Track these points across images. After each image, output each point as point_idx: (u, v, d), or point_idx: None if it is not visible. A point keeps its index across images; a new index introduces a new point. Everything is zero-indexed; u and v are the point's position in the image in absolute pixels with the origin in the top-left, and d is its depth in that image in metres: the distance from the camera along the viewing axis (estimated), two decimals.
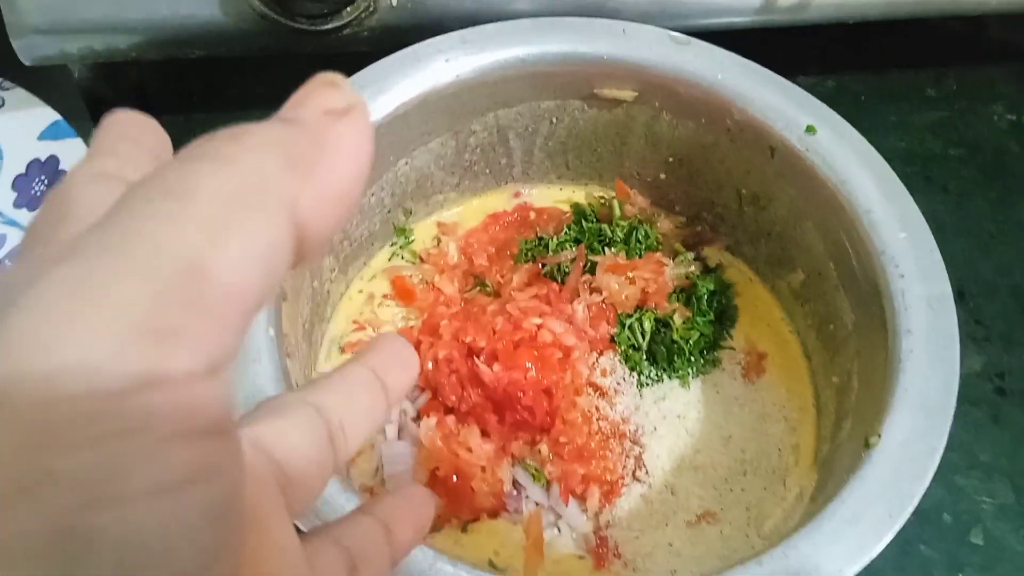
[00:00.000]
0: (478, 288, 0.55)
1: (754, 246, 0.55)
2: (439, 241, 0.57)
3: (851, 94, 0.73)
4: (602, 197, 0.58)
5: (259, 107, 0.72)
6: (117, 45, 0.55)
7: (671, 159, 0.55)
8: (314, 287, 0.49)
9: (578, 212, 0.58)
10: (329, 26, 0.55)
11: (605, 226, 0.56)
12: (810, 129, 0.47)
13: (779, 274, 0.54)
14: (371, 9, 0.55)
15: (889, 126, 0.71)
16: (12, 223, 0.61)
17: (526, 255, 0.55)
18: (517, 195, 0.59)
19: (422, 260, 0.56)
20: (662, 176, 0.56)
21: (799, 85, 0.73)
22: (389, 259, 0.56)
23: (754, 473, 0.49)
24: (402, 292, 0.54)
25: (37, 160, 0.62)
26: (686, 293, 0.54)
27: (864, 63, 0.74)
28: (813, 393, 0.51)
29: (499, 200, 0.59)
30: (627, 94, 0.52)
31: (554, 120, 0.54)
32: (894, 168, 0.68)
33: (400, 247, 0.56)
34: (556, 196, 0.59)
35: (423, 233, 0.57)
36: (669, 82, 0.50)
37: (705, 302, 0.53)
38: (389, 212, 0.54)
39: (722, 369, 0.52)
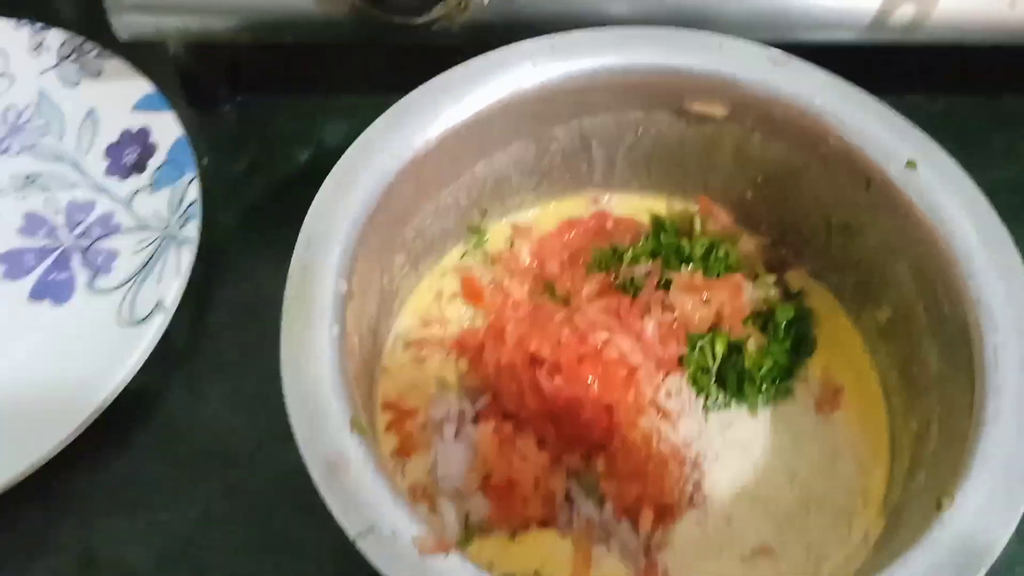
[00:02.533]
0: (547, 295, 0.54)
1: (840, 275, 0.53)
2: (512, 243, 0.56)
3: (959, 117, 0.69)
4: (684, 211, 0.56)
5: (346, 92, 0.73)
6: (212, 27, 0.56)
7: (759, 179, 0.53)
8: (383, 283, 0.49)
9: (657, 224, 0.56)
10: (420, 20, 0.54)
11: (684, 241, 0.54)
12: (911, 164, 0.45)
13: (864, 307, 0.51)
14: (463, 6, 0.54)
15: (997, 153, 0.68)
16: (103, 190, 0.63)
17: (599, 265, 0.54)
18: (595, 201, 0.58)
19: (494, 261, 0.56)
20: (748, 195, 0.54)
21: (904, 104, 0.69)
22: (461, 257, 0.56)
23: (818, 511, 0.47)
24: (471, 292, 0.54)
25: (129, 131, 0.64)
26: (763, 318, 0.52)
27: (975, 85, 0.70)
28: (889, 436, 0.49)
29: (577, 206, 0.58)
30: (718, 111, 0.50)
31: (639, 130, 0.53)
32: (999, 200, 0.64)
33: (473, 247, 0.56)
34: (636, 205, 0.58)
35: (497, 234, 0.57)
36: (763, 102, 0.48)
37: (783, 329, 0.51)
38: (464, 212, 0.54)
39: (794, 400, 0.51)
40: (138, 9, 0.55)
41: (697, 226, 0.55)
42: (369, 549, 0.34)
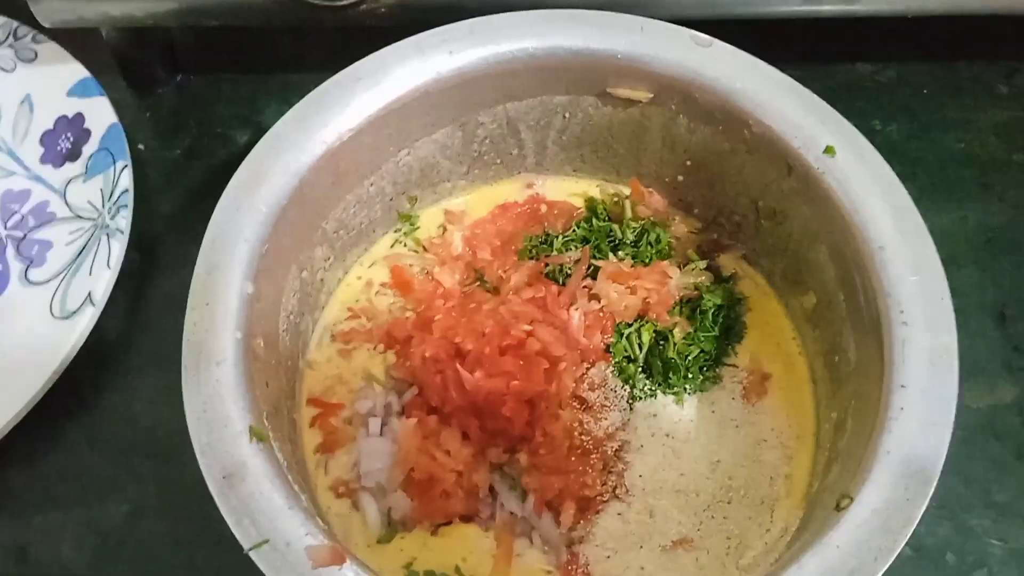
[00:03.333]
0: (478, 283, 0.53)
1: (771, 260, 0.52)
2: (445, 229, 0.56)
3: (912, 85, 0.68)
4: (615, 195, 0.55)
5: (284, 71, 0.72)
6: (133, 12, 0.55)
7: (688, 162, 0.52)
8: (303, 278, 0.48)
9: (590, 208, 0.55)
10: (346, 2, 0.53)
11: (616, 226, 0.53)
12: (829, 150, 0.44)
13: (793, 293, 0.51)
14: None
15: (950, 123, 0.66)
16: (37, 179, 0.62)
17: (530, 252, 0.54)
18: (530, 186, 0.57)
19: (425, 249, 0.55)
20: (680, 178, 0.53)
21: (857, 72, 0.69)
22: (391, 246, 0.55)
23: (740, 501, 0.47)
24: (400, 282, 0.54)
25: (64, 116, 0.63)
26: (691, 306, 0.51)
27: (930, 53, 0.68)
28: (815, 423, 0.48)
29: (511, 190, 0.57)
30: (642, 95, 0.49)
31: (566, 115, 0.52)
32: (949, 171, 0.64)
33: (404, 234, 0.55)
34: (571, 189, 0.57)
35: (429, 220, 0.56)
36: (686, 86, 0.47)
37: (710, 317, 0.51)
38: (391, 200, 0.53)
39: (722, 387, 0.50)
40: None
41: (628, 211, 0.54)
42: (262, 560, 0.35)
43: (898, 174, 0.45)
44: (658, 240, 0.53)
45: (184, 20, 0.56)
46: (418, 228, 0.56)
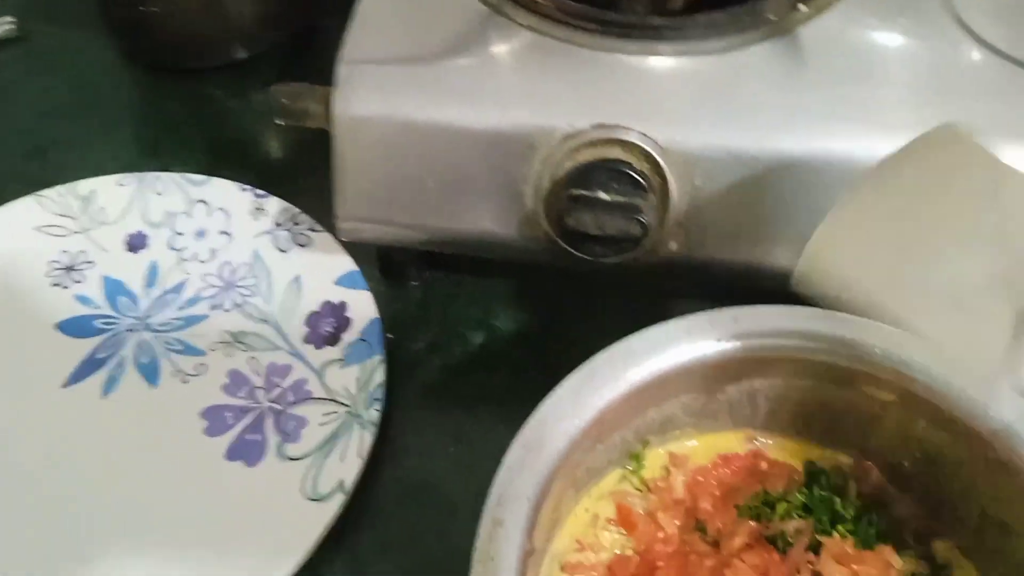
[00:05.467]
0: (698, 531, 0.57)
1: (990, 561, 0.54)
2: (668, 472, 0.59)
3: None
4: (837, 464, 0.58)
5: (517, 277, 0.78)
6: (421, 239, 0.62)
7: (918, 455, 0.55)
8: (551, 517, 0.53)
9: (810, 473, 0.58)
10: (610, 261, 0.59)
11: (838, 500, 0.56)
12: None
13: None
14: (651, 252, 0.59)
15: None
16: (298, 356, 0.69)
17: (752, 511, 0.57)
18: (751, 440, 0.60)
19: (649, 488, 0.59)
20: (905, 464, 0.56)
21: None
22: (619, 481, 0.59)
23: None
24: (625, 520, 0.57)
25: (330, 302, 0.71)
26: None
27: None
28: None
29: (733, 441, 0.60)
30: (888, 397, 0.52)
31: (808, 395, 0.55)
32: None
33: (631, 471, 0.59)
34: (791, 449, 0.60)
35: (653, 461, 0.59)
36: (935, 398, 0.50)
37: None
38: (629, 446, 0.57)
39: None
40: (362, 220, 0.61)
41: (852, 488, 0.57)
42: None
43: None
44: (878, 521, 0.55)
45: (462, 251, 0.63)
46: (644, 467, 0.60)
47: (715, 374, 0.54)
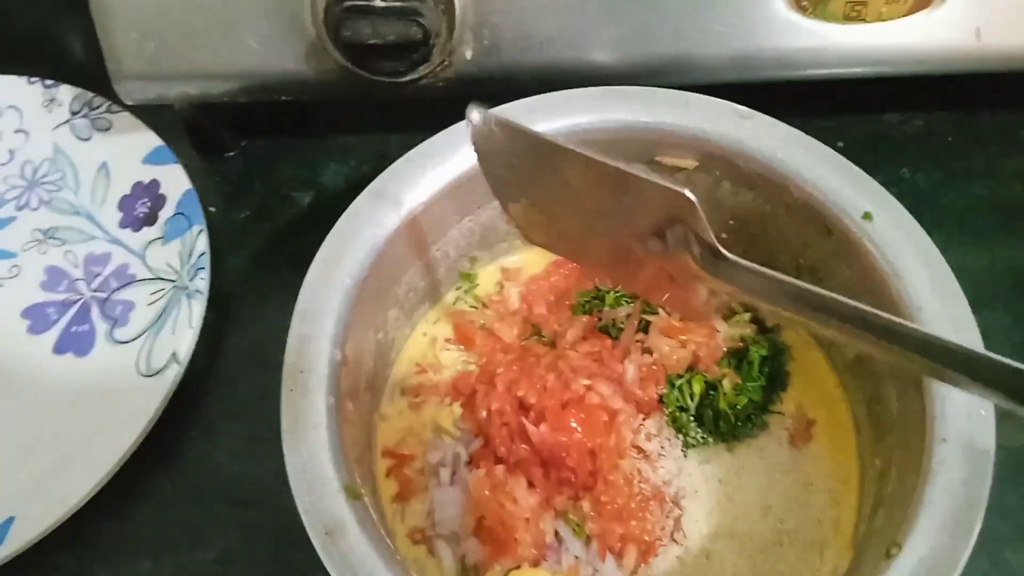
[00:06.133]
0: (535, 336, 0.57)
1: None
2: (502, 287, 0.59)
3: (938, 135, 0.71)
4: None
5: (342, 133, 0.76)
6: (210, 91, 0.59)
7: (731, 221, 0.55)
8: (378, 339, 0.52)
9: None
10: (406, 79, 0.57)
11: None
12: (867, 216, 0.47)
13: (834, 344, 0.54)
14: (447, 63, 0.57)
15: (975, 171, 0.69)
16: (117, 242, 0.66)
17: (584, 307, 0.57)
18: None
19: (484, 305, 0.59)
20: (723, 236, 0.57)
21: (883, 123, 0.72)
22: (454, 303, 0.59)
23: (791, 544, 0.50)
24: (463, 337, 0.57)
25: (140, 183, 0.67)
26: (738, 356, 0.55)
27: (954, 102, 0.72)
28: (859, 468, 0.51)
29: None
30: (688, 163, 0.52)
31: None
32: (976, 216, 0.67)
33: (464, 292, 0.59)
34: None
35: (487, 278, 0.60)
36: (729, 155, 0.51)
37: (756, 367, 0.54)
38: (454, 262, 0.57)
39: (769, 434, 0.54)
40: (140, 78, 0.58)
41: None
42: None
43: (927, 220, 0.49)
44: None
45: (254, 97, 0.60)
46: (477, 285, 0.59)
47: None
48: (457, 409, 0.55)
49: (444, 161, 0.50)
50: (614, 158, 0.39)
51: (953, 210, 0.67)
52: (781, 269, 0.54)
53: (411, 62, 0.55)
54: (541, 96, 0.52)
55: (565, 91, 0.52)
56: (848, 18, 0.56)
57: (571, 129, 0.51)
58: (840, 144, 0.68)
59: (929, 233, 0.48)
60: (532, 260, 0.60)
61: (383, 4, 0.51)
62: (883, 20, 0.57)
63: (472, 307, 0.59)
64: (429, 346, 0.57)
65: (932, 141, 0.71)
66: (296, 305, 0.46)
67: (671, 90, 0.52)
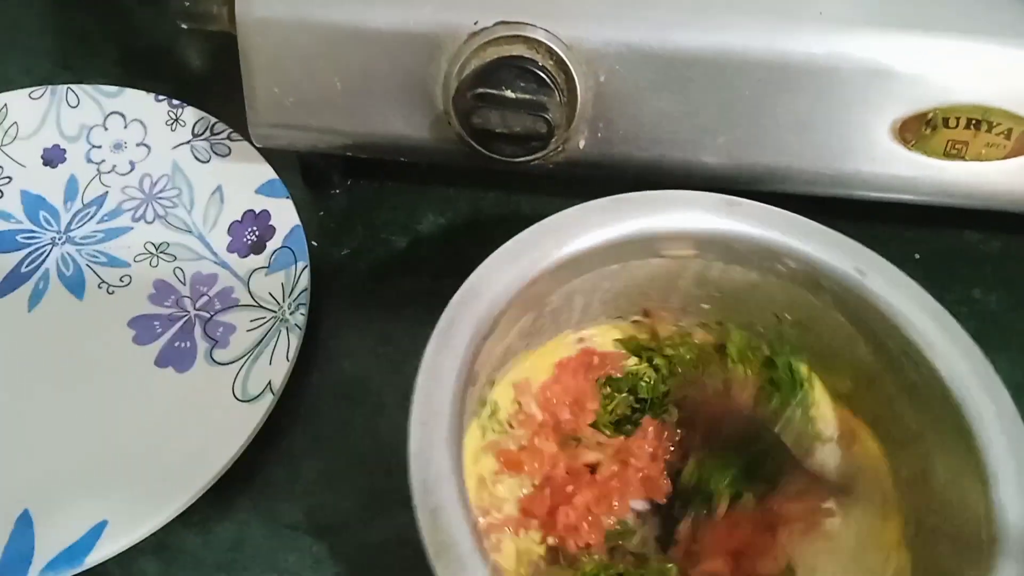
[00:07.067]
0: (573, 442, 0.56)
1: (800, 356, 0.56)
2: (519, 404, 0.57)
3: (1016, 258, 0.73)
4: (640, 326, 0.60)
5: (442, 184, 0.79)
6: (335, 144, 0.63)
7: (717, 294, 0.57)
8: None
9: (631, 350, 0.60)
10: (521, 160, 0.60)
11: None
12: (860, 272, 0.51)
13: (826, 379, 0.56)
14: (560, 150, 0.60)
15: None
16: (224, 265, 0.70)
17: (608, 399, 0.58)
18: (581, 340, 0.60)
19: (511, 426, 0.56)
20: (704, 306, 0.58)
21: (964, 239, 0.74)
22: (483, 436, 0.55)
23: None
24: (510, 464, 0.54)
25: (252, 211, 0.71)
26: None
27: None
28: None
29: (561, 346, 0.59)
30: (687, 253, 0.54)
31: (616, 278, 0.56)
32: None
33: (487, 418, 0.56)
34: (613, 335, 0.60)
35: (503, 398, 0.57)
36: (724, 239, 0.53)
37: None
38: (481, 388, 0.54)
39: None
40: (275, 126, 0.62)
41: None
42: None
43: (995, 343, 0.50)
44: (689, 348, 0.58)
45: (373, 154, 0.63)
46: (499, 409, 0.56)
47: (541, 290, 0.53)
48: (535, 534, 0.53)
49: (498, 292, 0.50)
50: None
51: (1022, 336, 0.69)
52: (762, 325, 0.57)
53: (530, 148, 0.58)
54: (556, 216, 0.53)
55: (580, 205, 0.53)
56: (948, 155, 0.59)
57: (588, 248, 0.52)
58: (917, 256, 0.72)
59: (994, 355, 0.49)
60: (538, 366, 0.58)
61: (513, 96, 0.55)
62: (981, 160, 0.59)
63: (502, 433, 0.56)
64: (479, 488, 0.53)
65: (1009, 263, 0.73)
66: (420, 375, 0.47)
67: (672, 191, 0.53)
